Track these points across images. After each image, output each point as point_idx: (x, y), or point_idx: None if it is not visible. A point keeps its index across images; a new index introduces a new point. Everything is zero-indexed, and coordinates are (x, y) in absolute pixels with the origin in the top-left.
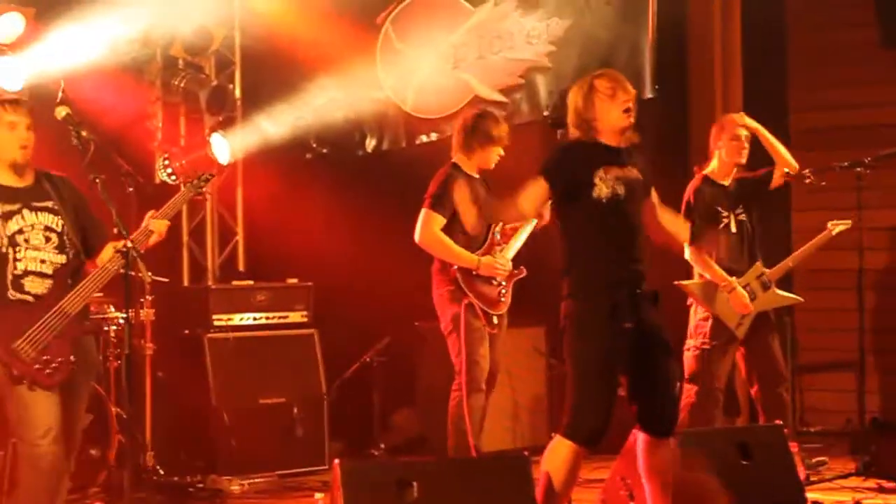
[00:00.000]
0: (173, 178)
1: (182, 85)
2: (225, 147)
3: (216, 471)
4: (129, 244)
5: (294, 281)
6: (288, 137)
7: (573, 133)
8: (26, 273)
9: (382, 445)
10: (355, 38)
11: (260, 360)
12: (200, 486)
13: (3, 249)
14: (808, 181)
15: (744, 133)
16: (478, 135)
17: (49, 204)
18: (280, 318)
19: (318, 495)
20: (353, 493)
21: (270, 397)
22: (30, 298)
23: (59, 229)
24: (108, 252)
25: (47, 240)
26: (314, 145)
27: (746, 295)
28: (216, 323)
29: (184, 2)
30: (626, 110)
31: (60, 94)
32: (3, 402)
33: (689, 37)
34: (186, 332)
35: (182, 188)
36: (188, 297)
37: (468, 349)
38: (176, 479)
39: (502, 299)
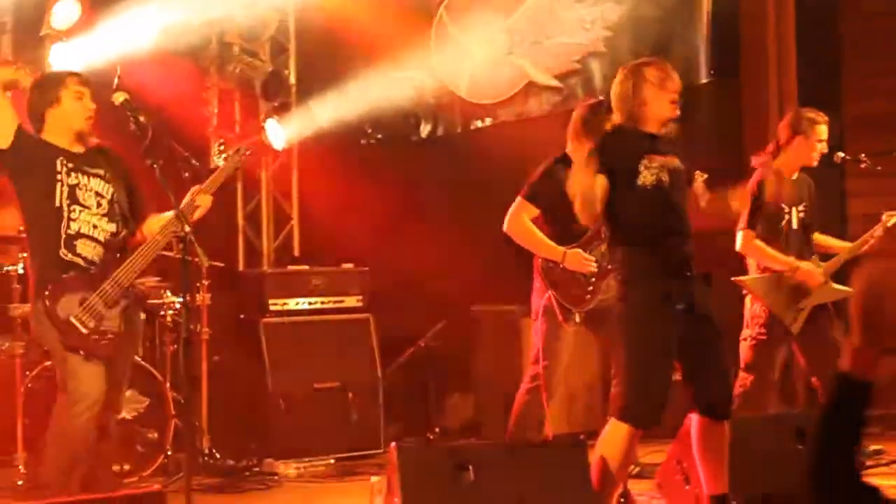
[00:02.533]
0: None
1: (237, 71)
2: (280, 133)
3: (271, 454)
4: (188, 229)
5: (349, 266)
6: (343, 123)
7: (615, 118)
8: (79, 235)
9: (437, 429)
10: (409, 23)
11: (315, 344)
12: (256, 469)
13: (60, 202)
14: (863, 165)
15: (825, 135)
16: (593, 126)
17: (101, 171)
18: (335, 302)
19: (374, 478)
20: (410, 476)
21: (325, 381)
22: (81, 262)
23: (108, 196)
24: (153, 224)
25: (98, 204)
26: (369, 131)
27: (813, 266)
28: (272, 307)
29: None
30: (673, 101)
31: (117, 80)
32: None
33: (743, 22)
34: (242, 316)
35: (221, 164)
36: (244, 281)
37: (544, 343)
38: (231, 462)
39: (588, 296)
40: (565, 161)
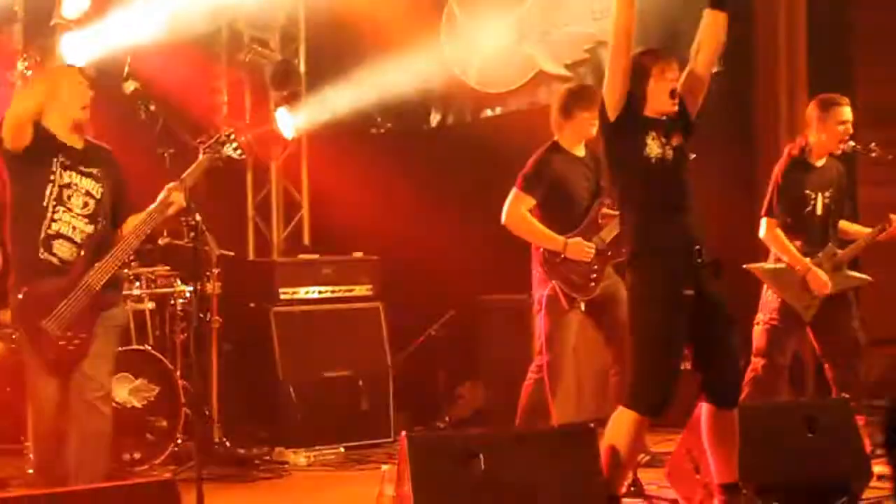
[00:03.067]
0: (238, 152)
1: (247, 60)
2: (290, 122)
3: (282, 443)
4: (199, 218)
5: (359, 254)
6: (352, 112)
7: None
8: (58, 235)
9: (447, 418)
10: (419, 12)
11: (325, 333)
12: (266, 458)
13: (47, 202)
14: (873, 154)
15: (849, 117)
16: (580, 99)
17: (94, 171)
18: (346, 291)
19: (384, 467)
20: (421, 464)
21: (336, 370)
22: (55, 262)
23: (97, 197)
24: (129, 224)
25: (84, 204)
26: (379, 120)
27: (824, 274)
28: (282, 296)
29: None
30: (672, 91)
31: (127, 69)
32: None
33: (755, 11)
34: (252, 305)
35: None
36: (254, 270)
37: (548, 333)
38: (242, 451)
39: (591, 284)
40: (557, 149)
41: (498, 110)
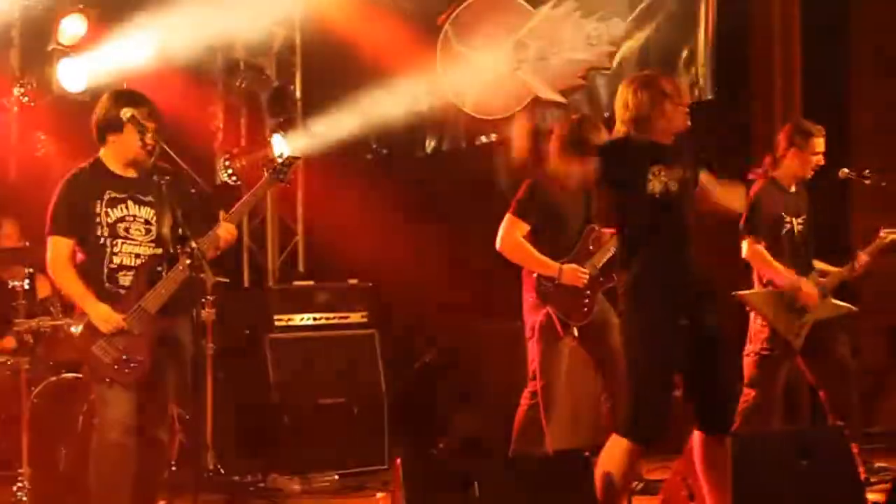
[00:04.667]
0: (234, 178)
1: (243, 86)
2: (285, 148)
3: (276, 470)
4: (195, 245)
5: (354, 281)
6: (348, 138)
7: (620, 129)
8: (121, 267)
9: (442, 445)
10: (415, 39)
11: (320, 360)
12: (261, 485)
13: (102, 240)
14: (867, 182)
15: (822, 148)
16: (577, 144)
17: (151, 198)
18: (340, 318)
19: (378, 494)
20: (416, 491)
21: (330, 397)
22: (119, 291)
23: (154, 223)
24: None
25: (147, 231)
26: (374, 146)
27: (812, 285)
28: (277, 323)
29: (245, 4)
30: (687, 112)
31: None
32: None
33: (750, 38)
34: (247, 332)
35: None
36: (249, 297)
37: (541, 359)
38: (236, 478)
39: (585, 309)
40: (549, 176)
41: (493, 136)
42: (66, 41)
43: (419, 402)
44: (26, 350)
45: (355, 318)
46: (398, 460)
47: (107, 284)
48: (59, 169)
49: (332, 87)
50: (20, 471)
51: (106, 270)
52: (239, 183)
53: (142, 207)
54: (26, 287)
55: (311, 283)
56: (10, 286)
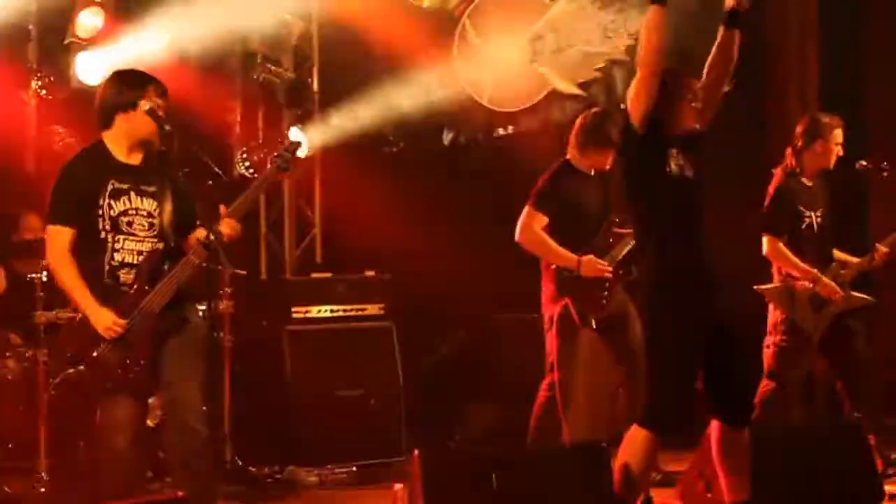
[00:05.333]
0: (251, 171)
1: (260, 79)
2: (303, 140)
3: (294, 462)
4: (213, 237)
5: (372, 273)
6: (365, 131)
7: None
8: (123, 265)
9: (459, 437)
10: (432, 31)
11: (337, 352)
12: (278, 477)
13: (104, 234)
14: (885, 174)
15: (840, 139)
16: (597, 135)
17: (153, 188)
18: (358, 310)
19: (396, 486)
20: (433, 483)
21: (348, 389)
22: (124, 289)
23: (157, 215)
24: (192, 241)
25: (150, 226)
26: (391, 138)
27: (832, 282)
28: (294, 315)
29: None
30: (697, 110)
31: None
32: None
33: (767, 29)
34: (265, 324)
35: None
36: (267, 289)
37: (558, 351)
38: (254, 470)
39: (603, 301)
40: (569, 167)
41: (510, 129)
42: (83, 34)
43: (437, 393)
44: (44, 342)
45: (373, 309)
46: (416, 452)
47: (107, 280)
48: None
49: (349, 79)
50: (38, 462)
51: (107, 267)
52: (256, 175)
53: (144, 199)
54: (44, 279)
55: (329, 274)
56: (28, 278)
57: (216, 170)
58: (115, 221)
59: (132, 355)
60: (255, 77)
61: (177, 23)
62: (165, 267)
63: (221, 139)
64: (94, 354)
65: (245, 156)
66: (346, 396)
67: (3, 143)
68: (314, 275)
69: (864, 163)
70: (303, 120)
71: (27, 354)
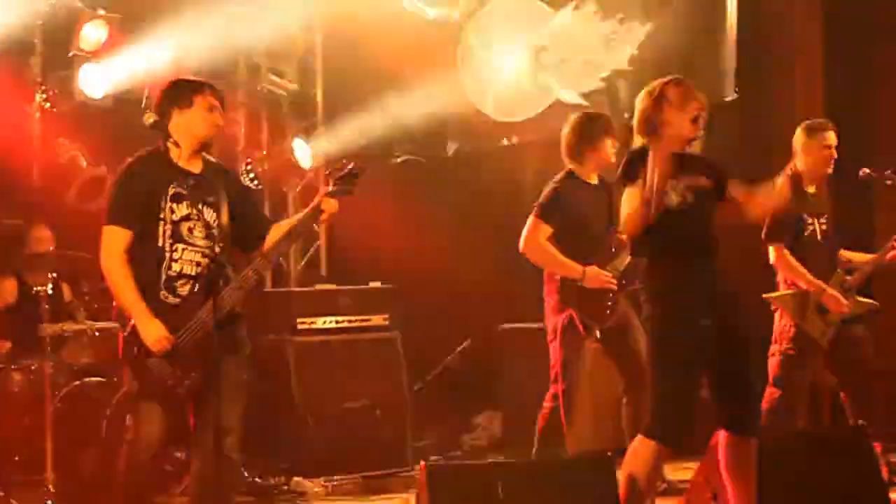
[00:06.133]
0: (256, 182)
1: (265, 91)
2: (307, 152)
3: (300, 473)
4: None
5: (377, 284)
6: (369, 142)
7: (638, 140)
8: (180, 276)
9: (465, 447)
10: (436, 42)
11: (343, 363)
12: (285, 487)
13: (162, 242)
14: (889, 182)
15: (834, 142)
16: (587, 136)
17: (213, 198)
18: (363, 321)
19: (403, 496)
20: (440, 494)
21: (353, 400)
22: (175, 300)
23: (214, 226)
24: (268, 242)
25: (207, 236)
26: (396, 149)
27: (839, 294)
28: (300, 327)
29: (267, 9)
30: (695, 119)
31: (146, 101)
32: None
33: (772, 37)
34: (270, 335)
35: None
36: (272, 301)
37: (563, 361)
38: (260, 481)
39: (607, 312)
40: (573, 177)
41: (514, 139)
42: (87, 47)
43: (442, 404)
44: (50, 354)
45: (378, 320)
46: (422, 463)
47: (163, 293)
48: (82, 174)
49: (353, 91)
50: (45, 475)
51: (164, 277)
52: (261, 187)
53: (205, 207)
54: (50, 292)
55: (334, 286)
56: (34, 291)
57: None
58: (175, 227)
59: (183, 369)
60: (259, 89)
61: (181, 35)
62: (221, 282)
63: (226, 151)
64: (147, 364)
65: (249, 167)
66: (352, 407)
67: (9, 155)
68: (319, 286)
69: (867, 170)
70: (307, 132)
71: (33, 367)
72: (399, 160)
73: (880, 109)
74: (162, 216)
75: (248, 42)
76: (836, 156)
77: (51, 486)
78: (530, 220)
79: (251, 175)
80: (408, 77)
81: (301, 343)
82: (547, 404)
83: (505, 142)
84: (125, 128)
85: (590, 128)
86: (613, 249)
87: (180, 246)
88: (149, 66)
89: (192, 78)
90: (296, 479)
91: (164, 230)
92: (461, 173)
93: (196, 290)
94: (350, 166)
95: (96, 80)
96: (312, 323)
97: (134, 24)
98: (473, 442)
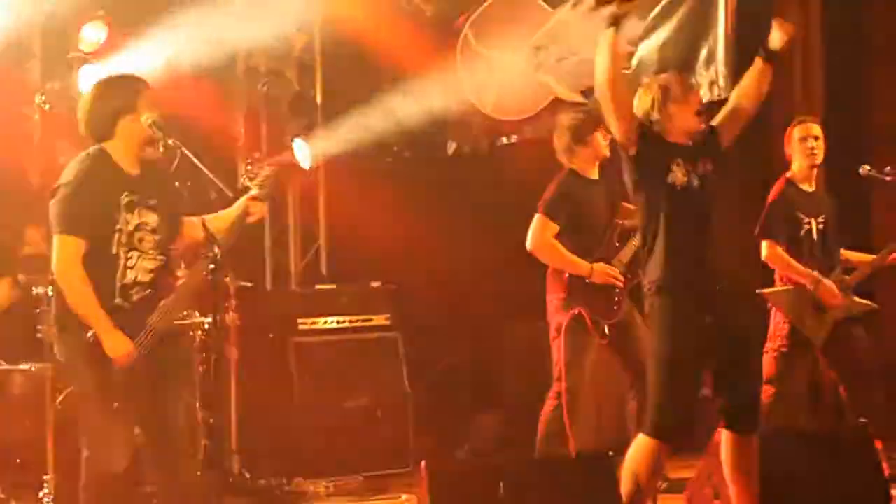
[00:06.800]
0: (255, 183)
1: (264, 91)
2: (307, 152)
3: (301, 473)
4: (217, 250)
5: (377, 284)
6: (369, 141)
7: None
8: (135, 283)
9: (467, 447)
10: (435, 40)
11: (344, 363)
12: (286, 488)
13: (115, 250)
14: (888, 178)
15: (814, 133)
16: (578, 132)
17: (154, 201)
18: (363, 321)
19: (404, 496)
20: (441, 493)
21: (354, 400)
22: (128, 306)
23: (159, 231)
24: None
25: (155, 242)
26: (395, 149)
27: (834, 285)
28: (300, 327)
29: (265, 9)
30: (698, 112)
31: None
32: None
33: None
34: (271, 336)
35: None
36: (272, 301)
37: (566, 359)
38: (261, 482)
39: (615, 307)
40: (575, 175)
41: (514, 138)
42: (86, 48)
43: (443, 403)
44: (50, 356)
45: (378, 320)
46: (423, 463)
47: (118, 300)
48: None
49: (352, 90)
50: (45, 478)
51: (119, 286)
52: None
53: (149, 213)
54: (50, 293)
55: (334, 286)
56: (33, 293)
57: (219, 183)
58: (130, 237)
59: (139, 377)
60: (258, 89)
61: (179, 36)
62: (167, 285)
63: (225, 152)
64: (108, 367)
65: (249, 168)
66: (353, 407)
67: (7, 157)
68: (319, 286)
69: (867, 168)
70: (306, 131)
71: (33, 369)
72: (397, 159)
73: (879, 106)
74: (118, 227)
75: (246, 42)
76: (815, 149)
77: (51, 489)
78: (536, 218)
79: (250, 176)
80: (407, 76)
81: (302, 343)
82: (550, 402)
83: (504, 140)
84: None
85: (577, 128)
86: (617, 244)
87: (134, 254)
88: (148, 66)
89: (128, 76)
90: (296, 479)
91: (118, 239)
92: (460, 172)
93: (147, 295)
94: (266, 171)
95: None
96: (313, 323)
97: (133, 25)
98: (474, 442)
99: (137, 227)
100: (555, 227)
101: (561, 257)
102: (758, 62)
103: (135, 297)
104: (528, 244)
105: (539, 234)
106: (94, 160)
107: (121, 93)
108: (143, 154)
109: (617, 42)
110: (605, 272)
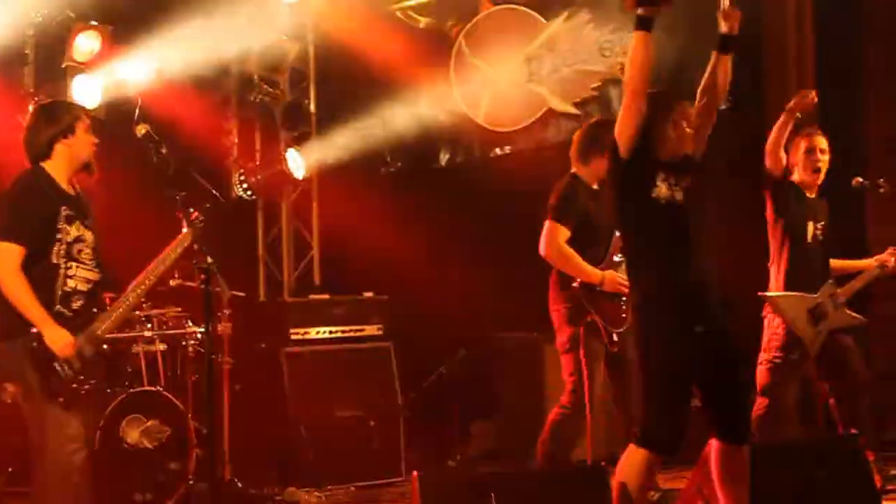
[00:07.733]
0: (249, 193)
1: (257, 101)
2: (300, 162)
3: (293, 483)
4: (209, 260)
5: (370, 294)
6: (362, 152)
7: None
8: (75, 292)
9: (459, 457)
10: (429, 51)
11: (336, 373)
12: (278, 498)
13: (56, 260)
14: (881, 190)
15: (820, 146)
16: (598, 143)
17: (88, 221)
18: (356, 331)
19: None
20: (433, 503)
21: (347, 410)
22: (68, 313)
23: (94, 246)
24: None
25: (92, 256)
26: (389, 159)
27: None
28: (293, 337)
29: (258, 19)
30: (687, 134)
31: (138, 112)
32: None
33: (766, 46)
34: (263, 345)
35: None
36: (265, 311)
37: (587, 371)
38: (253, 491)
39: (623, 315)
40: (578, 181)
41: (507, 149)
42: (80, 58)
43: (435, 414)
44: None
45: (371, 330)
46: (415, 473)
47: (58, 307)
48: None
49: (345, 100)
50: None
51: (60, 293)
52: (255, 197)
53: (87, 231)
54: None
55: (327, 296)
56: None
57: (213, 192)
58: (69, 248)
59: (86, 373)
60: (251, 99)
61: (173, 45)
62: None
63: (219, 161)
64: (54, 366)
65: (243, 177)
66: (345, 417)
67: (1, 166)
68: (312, 296)
69: (860, 179)
70: (300, 141)
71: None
72: (391, 170)
73: (873, 117)
74: (59, 237)
75: (240, 52)
76: (820, 162)
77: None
78: (547, 224)
79: (244, 186)
80: (400, 86)
81: (294, 353)
82: (557, 411)
83: (498, 151)
84: (117, 138)
85: (600, 135)
86: (620, 254)
87: (74, 264)
88: (141, 76)
89: (64, 102)
90: (289, 489)
91: (58, 249)
92: (453, 183)
93: (85, 304)
94: (207, 205)
95: (89, 91)
96: (306, 333)
97: (127, 34)
98: (466, 452)
99: (77, 240)
100: (566, 232)
101: (575, 264)
102: (713, 55)
103: (74, 306)
104: (542, 250)
105: (551, 239)
106: (35, 175)
107: (60, 118)
108: (76, 178)
109: (647, 44)
110: (615, 280)
